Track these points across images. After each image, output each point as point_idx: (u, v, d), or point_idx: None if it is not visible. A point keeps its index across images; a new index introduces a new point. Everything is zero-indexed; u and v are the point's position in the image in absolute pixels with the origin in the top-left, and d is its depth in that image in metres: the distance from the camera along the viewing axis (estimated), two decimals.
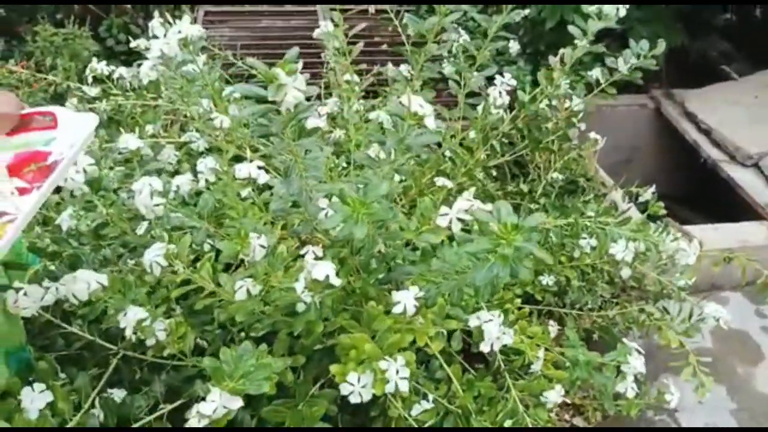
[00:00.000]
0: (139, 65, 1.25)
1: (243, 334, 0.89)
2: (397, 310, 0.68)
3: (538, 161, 1.43)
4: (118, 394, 0.77)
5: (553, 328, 1.14)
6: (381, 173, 0.68)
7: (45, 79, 1.13)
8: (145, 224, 0.90)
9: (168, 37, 0.82)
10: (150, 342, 0.74)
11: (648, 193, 1.39)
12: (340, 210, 0.58)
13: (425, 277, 0.78)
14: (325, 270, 0.63)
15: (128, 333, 0.69)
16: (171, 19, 1.17)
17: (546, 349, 0.96)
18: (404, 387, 0.68)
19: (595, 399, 1.19)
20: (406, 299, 0.69)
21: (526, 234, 0.50)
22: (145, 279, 0.73)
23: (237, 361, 0.60)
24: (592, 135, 1.50)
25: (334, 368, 0.77)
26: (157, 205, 0.72)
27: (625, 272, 1.08)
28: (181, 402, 0.79)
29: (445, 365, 0.87)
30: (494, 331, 0.71)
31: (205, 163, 0.87)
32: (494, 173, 1.36)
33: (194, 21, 2.59)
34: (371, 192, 0.57)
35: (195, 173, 0.90)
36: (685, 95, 2.16)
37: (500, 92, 0.96)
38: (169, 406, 0.77)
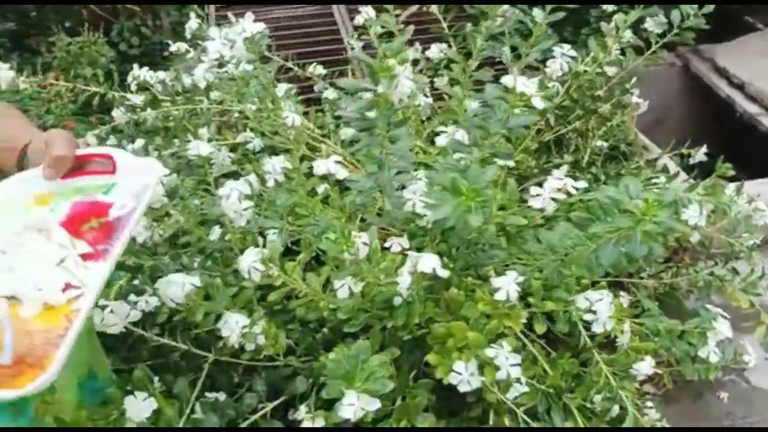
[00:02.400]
0: (176, 69, 1.23)
1: (326, 330, 0.89)
2: (499, 296, 0.68)
3: (581, 130, 1.41)
4: (218, 398, 0.77)
5: (624, 299, 1.13)
6: (475, 158, 0.67)
7: (84, 90, 1.10)
8: (216, 229, 0.89)
9: (229, 38, 0.80)
10: (250, 346, 0.73)
11: (700, 154, 1.36)
12: (448, 199, 0.57)
13: (512, 261, 0.78)
14: (431, 262, 0.62)
15: (233, 340, 0.68)
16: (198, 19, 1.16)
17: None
18: (516, 373, 0.67)
19: (669, 365, 1.19)
20: (506, 284, 0.67)
21: (666, 209, 0.49)
22: (244, 284, 0.73)
23: (354, 360, 0.59)
24: (634, 99, 1.48)
25: (431, 358, 0.77)
26: (246, 209, 0.71)
27: (695, 237, 1.06)
28: (283, 399, 0.80)
29: (531, 346, 0.87)
30: (605, 311, 0.70)
31: (273, 163, 0.86)
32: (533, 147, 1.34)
33: (206, 19, 2.55)
34: (479, 179, 0.56)
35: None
36: (714, 50, 2.12)
37: (561, 64, 0.94)
38: (271, 405, 0.77)
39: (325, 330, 0.89)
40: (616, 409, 0.89)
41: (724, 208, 0.97)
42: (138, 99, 1.10)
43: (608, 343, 0.94)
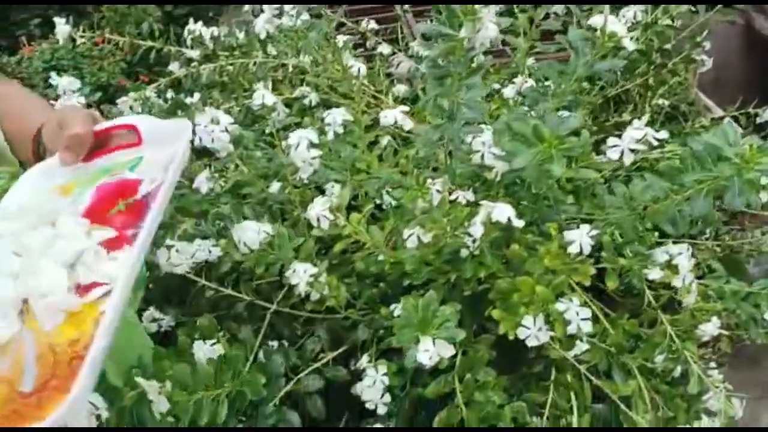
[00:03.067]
0: (229, 25, 1.22)
1: (383, 285, 0.89)
2: (572, 249, 0.66)
3: (644, 87, 1.36)
4: (282, 343, 0.78)
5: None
6: (547, 108, 0.65)
7: (140, 45, 1.11)
8: (275, 183, 0.89)
9: None
10: (314, 296, 0.74)
11: (767, 114, 1.30)
12: (527, 148, 0.55)
13: (581, 216, 0.76)
14: (506, 212, 0.61)
15: (301, 287, 0.69)
16: None
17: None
18: (587, 327, 0.66)
19: (729, 328, 1.16)
20: (580, 237, 0.66)
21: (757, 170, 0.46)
22: (312, 233, 0.73)
23: (426, 308, 0.59)
24: (696, 56, 1.41)
25: (495, 313, 0.76)
26: (314, 158, 0.71)
27: (764, 195, 1.02)
28: (344, 349, 0.81)
29: (591, 303, 0.85)
30: (686, 265, 0.68)
31: (334, 115, 0.85)
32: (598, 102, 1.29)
33: None
34: (561, 126, 0.54)
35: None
36: None
37: (635, 12, 0.89)
38: (333, 353, 0.78)
39: (382, 285, 0.89)
40: (678, 370, 0.88)
41: None
42: (194, 53, 1.09)
43: (669, 306, 0.92)
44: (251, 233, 0.67)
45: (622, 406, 0.79)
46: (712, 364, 0.91)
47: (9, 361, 0.46)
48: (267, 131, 0.85)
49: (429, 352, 0.53)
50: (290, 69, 1.05)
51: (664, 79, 1.34)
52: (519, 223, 0.61)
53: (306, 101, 1.03)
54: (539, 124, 0.52)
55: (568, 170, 0.74)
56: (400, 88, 1.17)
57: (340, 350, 0.80)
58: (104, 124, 0.61)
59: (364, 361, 0.77)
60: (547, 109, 0.67)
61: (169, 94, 1.04)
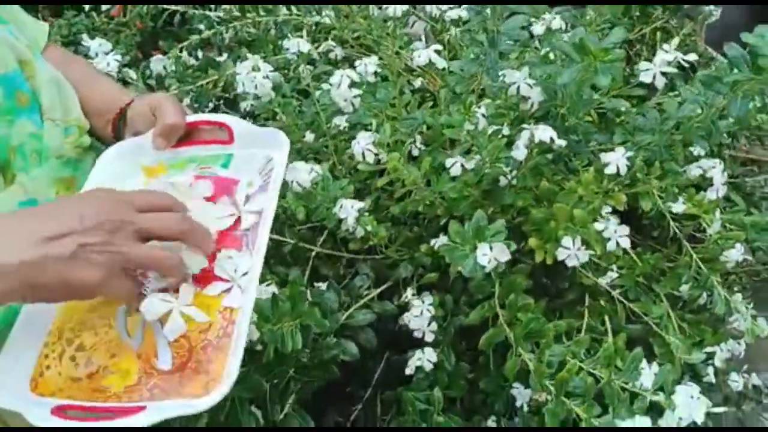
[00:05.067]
0: None
1: (416, 228, 0.92)
2: (609, 170, 0.69)
3: (648, 39, 1.38)
4: (331, 281, 0.81)
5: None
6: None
7: (165, 9, 1.13)
8: (308, 134, 0.92)
9: None
10: (359, 233, 0.77)
11: None
12: (570, 65, 0.58)
13: (612, 147, 0.79)
14: (548, 132, 0.64)
15: (350, 222, 0.72)
16: None
17: None
18: (626, 244, 0.70)
19: (748, 264, 1.20)
20: (617, 159, 0.69)
21: None
22: (359, 167, 0.76)
23: (477, 224, 0.62)
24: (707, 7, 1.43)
25: (532, 242, 0.80)
26: (356, 96, 0.74)
27: None
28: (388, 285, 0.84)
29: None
30: (720, 178, 0.71)
31: (365, 63, 0.88)
32: None
33: None
34: (606, 40, 0.57)
35: None
36: None
37: None
38: (378, 289, 0.82)
39: (416, 229, 0.93)
40: (704, 297, 0.92)
41: None
42: (217, 14, 1.12)
43: (693, 239, 0.96)
44: (303, 173, 0.70)
45: (654, 327, 0.83)
46: (736, 289, 0.94)
47: (140, 336, 0.50)
48: (302, 82, 0.87)
49: (487, 256, 0.57)
50: (313, 26, 1.08)
51: (670, 33, 1.37)
52: (561, 143, 0.64)
53: (332, 55, 1.05)
54: (584, 37, 0.55)
55: (601, 97, 0.78)
56: (417, 46, 1.20)
57: (384, 287, 0.84)
58: (196, 117, 0.64)
59: (408, 294, 0.81)
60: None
61: (199, 54, 1.07)
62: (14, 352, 0.48)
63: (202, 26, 1.09)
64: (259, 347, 0.60)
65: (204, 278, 0.52)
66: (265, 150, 0.60)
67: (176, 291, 0.50)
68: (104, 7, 1.41)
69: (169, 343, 0.49)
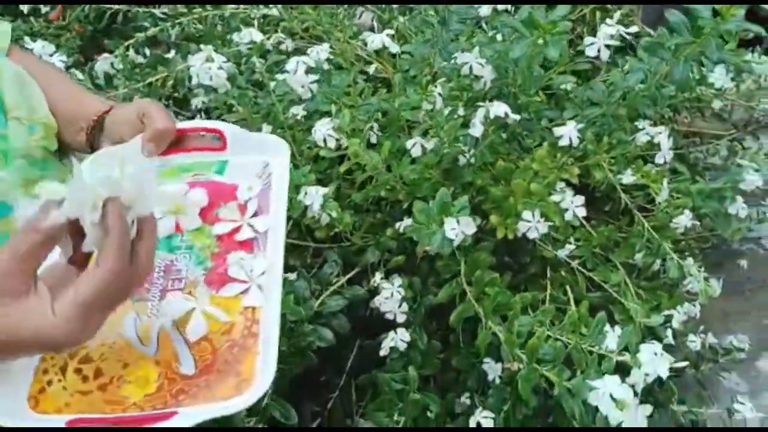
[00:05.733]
0: None
1: (379, 214, 0.93)
2: (563, 142, 0.72)
3: (589, 20, 1.43)
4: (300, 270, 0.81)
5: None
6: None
7: (107, 10, 1.10)
8: (266, 126, 0.92)
9: None
10: (324, 219, 0.78)
11: None
12: (521, 40, 0.60)
13: (563, 122, 0.81)
14: (502, 108, 0.66)
15: (315, 208, 0.72)
16: None
17: None
18: (582, 213, 0.72)
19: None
20: (569, 131, 0.71)
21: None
22: (321, 154, 0.76)
23: (441, 201, 0.63)
24: None
25: (493, 219, 0.82)
26: (312, 82, 0.74)
27: (717, 103, 1.11)
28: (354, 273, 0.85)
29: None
30: (667, 143, 0.74)
31: (318, 50, 0.88)
32: None
33: None
34: (551, 15, 0.59)
35: None
36: None
37: None
38: (347, 276, 0.83)
39: (379, 215, 0.94)
40: (657, 264, 0.96)
41: (750, 67, 1.01)
42: (162, 11, 1.10)
43: (643, 209, 1.00)
44: None
45: (614, 294, 0.87)
46: (687, 254, 0.99)
47: (155, 342, 0.48)
48: (255, 73, 0.87)
49: (455, 230, 0.58)
50: (261, 18, 1.07)
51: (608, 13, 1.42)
52: (515, 117, 0.66)
53: (283, 47, 1.05)
54: (533, 11, 0.57)
55: (544, 78, 0.80)
56: (367, 35, 1.21)
57: (352, 273, 0.84)
58: (187, 124, 0.61)
59: (377, 278, 0.81)
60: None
61: (147, 51, 1.05)
62: (4, 370, 0.44)
63: (147, 23, 1.07)
64: None
65: (219, 280, 0.51)
66: (261, 156, 0.58)
67: (190, 293, 0.49)
68: (43, 10, 1.37)
69: (189, 347, 0.47)
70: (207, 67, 0.75)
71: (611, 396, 0.58)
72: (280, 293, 0.48)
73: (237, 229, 0.54)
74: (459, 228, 0.59)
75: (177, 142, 0.59)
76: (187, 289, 0.50)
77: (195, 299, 0.48)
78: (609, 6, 1.36)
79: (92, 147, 0.62)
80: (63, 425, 0.42)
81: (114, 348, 0.47)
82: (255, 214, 0.54)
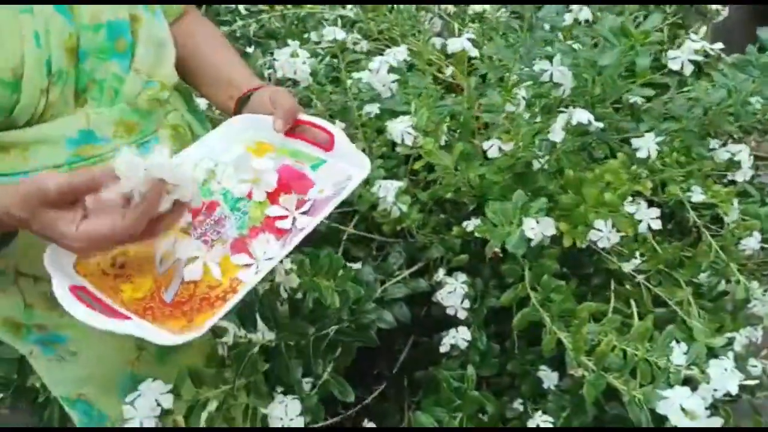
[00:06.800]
0: None
1: (443, 215, 0.95)
2: (641, 154, 0.72)
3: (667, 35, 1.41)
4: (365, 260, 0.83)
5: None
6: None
7: None
8: (339, 122, 0.94)
9: None
10: (395, 213, 0.79)
11: None
12: (610, 48, 0.61)
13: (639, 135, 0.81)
14: (585, 115, 0.67)
15: (390, 200, 0.74)
16: None
17: None
18: (656, 225, 0.72)
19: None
20: (647, 143, 0.71)
21: None
22: (397, 150, 0.78)
23: (518, 202, 0.64)
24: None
25: (562, 226, 0.82)
26: (393, 81, 0.76)
27: None
28: (418, 267, 0.86)
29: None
30: (747, 160, 0.74)
31: (394, 52, 0.90)
32: None
33: None
34: (645, 23, 0.59)
35: None
36: None
37: None
38: (410, 269, 0.84)
39: (443, 216, 0.95)
40: (722, 285, 0.94)
41: None
42: (246, 7, 1.14)
43: (708, 229, 0.98)
44: None
45: (679, 312, 0.86)
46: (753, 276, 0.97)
47: (166, 266, 0.56)
48: (334, 70, 0.89)
49: (534, 230, 0.59)
50: (338, 19, 1.10)
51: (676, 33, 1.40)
52: (598, 125, 0.66)
53: (357, 48, 1.08)
54: (625, 20, 0.57)
55: (623, 88, 0.80)
56: (435, 41, 1.23)
57: (415, 268, 0.86)
58: (308, 117, 0.69)
59: (441, 273, 0.83)
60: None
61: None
62: None
63: (229, 18, 1.11)
64: (299, 296, 0.63)
65: (239, 248, 0.58)
66: (350, 168, 0.64)
67: (212, 246, 0.57)
68: None
69: (181, 283, 0.55)
70: (293, 61, 0.78)
71: (681, 407, 0.58)
72: (261, 277, 0.55)
73: (283, 217, 0.60)
74: (538, 228, 0.60)
75: (294, 129, 0.67)
76: (216, 243, 0.58)
77: (209, 252, 0.56)
78: (683, 23, 1.35)
79: (234, 111, 0.73)
80: (69, 285, 0.50)
81: (144, 254, 0.56)
82: (305, 212, 0.60)
